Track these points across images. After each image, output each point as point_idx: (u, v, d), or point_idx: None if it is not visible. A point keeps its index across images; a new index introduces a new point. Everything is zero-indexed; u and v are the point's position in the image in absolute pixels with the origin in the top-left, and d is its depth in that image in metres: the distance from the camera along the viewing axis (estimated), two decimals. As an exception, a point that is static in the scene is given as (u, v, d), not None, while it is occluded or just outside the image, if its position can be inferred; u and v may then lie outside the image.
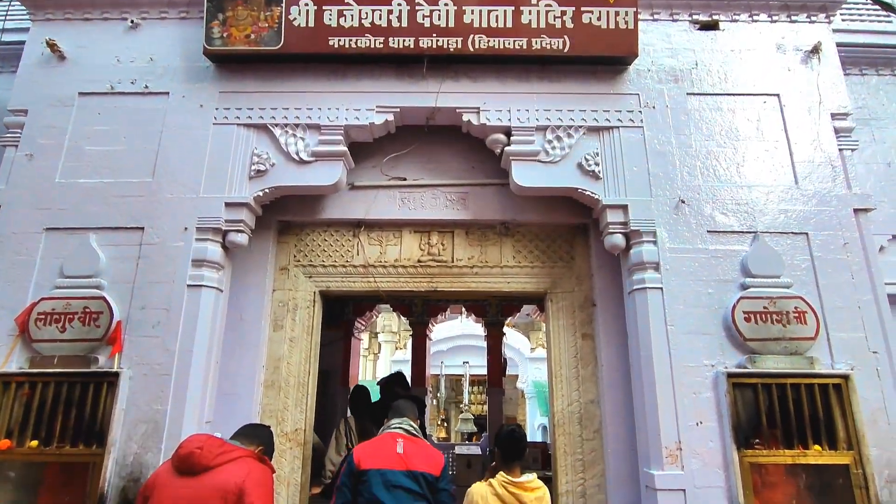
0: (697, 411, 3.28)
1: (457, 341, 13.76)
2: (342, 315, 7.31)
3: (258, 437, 2.74)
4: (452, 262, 4.06)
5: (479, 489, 2.90)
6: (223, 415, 3.61)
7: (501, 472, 2.91)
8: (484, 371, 14.28)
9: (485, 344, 8.35)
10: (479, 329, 13.71)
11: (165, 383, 3.35)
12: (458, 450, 7.09)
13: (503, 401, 7.76)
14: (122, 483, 3.20)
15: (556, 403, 3.79)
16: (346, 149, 3.80)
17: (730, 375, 3.28)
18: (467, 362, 13.59)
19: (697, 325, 3.43)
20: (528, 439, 3.35)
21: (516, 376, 13.43)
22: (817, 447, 3.21)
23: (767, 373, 3.30)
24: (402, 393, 4.54)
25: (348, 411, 4.80)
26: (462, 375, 13.77)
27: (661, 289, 3.47)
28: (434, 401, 13.61)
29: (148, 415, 3.30)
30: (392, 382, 5.05)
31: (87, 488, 3.15)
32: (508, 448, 2.95)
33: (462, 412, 13.17)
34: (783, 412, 3.26)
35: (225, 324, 3.75)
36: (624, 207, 3.64)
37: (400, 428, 3.07)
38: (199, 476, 2.38)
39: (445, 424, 14.29)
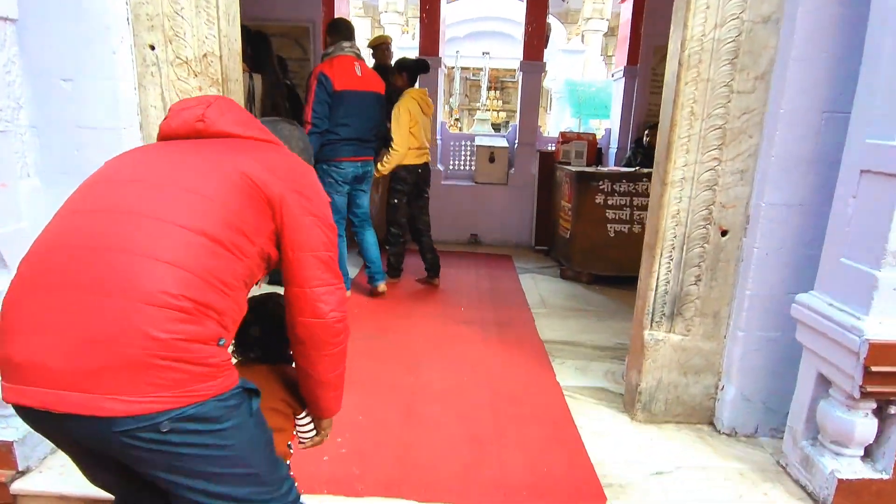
0: None
1: (477, 25, 11.26)
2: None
3: (283, 138, 1.30)
4: None
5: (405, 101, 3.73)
6: (39, 16, 1.88)
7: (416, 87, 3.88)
8: (506, 66, 12.16)
9: (509, 31, 6.08)
10: (504, 10, 11.07)
11: None
12: (478, 141, 5.58)
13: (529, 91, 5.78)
14: None
15: (692, 23, 1.98)
16: None
17: None
18: (488, 53, 11.37)
19: None
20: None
21: (544, 71, 11.40)
22: None
23: None
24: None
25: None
26: (481, 69, 11.72)
27: None
28: (448, 99, 11.87)
29: None
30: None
31: None
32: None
33: (478, 112, 11.54)
34: None
35: None
36: None
37: (352, 52, 3.48)
38: (200, 142, 1.12)
39: (459, 126, 12.85)
